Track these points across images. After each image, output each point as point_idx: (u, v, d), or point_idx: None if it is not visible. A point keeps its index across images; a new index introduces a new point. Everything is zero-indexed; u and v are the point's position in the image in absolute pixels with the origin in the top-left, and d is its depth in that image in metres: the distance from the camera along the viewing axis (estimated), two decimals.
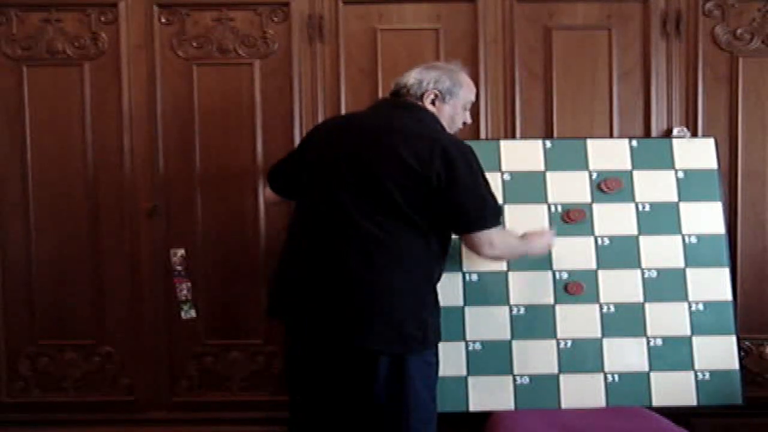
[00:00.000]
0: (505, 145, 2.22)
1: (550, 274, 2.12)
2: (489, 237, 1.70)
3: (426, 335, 1.68)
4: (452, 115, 1.82)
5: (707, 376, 2.07)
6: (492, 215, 1.71)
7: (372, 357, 1.65)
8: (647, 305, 2.10)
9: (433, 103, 1.78)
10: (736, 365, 2.09)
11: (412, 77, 1.78)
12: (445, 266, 1.81)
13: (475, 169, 1.68)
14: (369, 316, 1.62)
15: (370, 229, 1.62)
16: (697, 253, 2.13)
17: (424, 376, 1.70)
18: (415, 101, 1.77)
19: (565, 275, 2.12)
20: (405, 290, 1.64)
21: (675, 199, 2.16)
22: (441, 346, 1.91)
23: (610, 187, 2.16)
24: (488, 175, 2.16)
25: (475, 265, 2.11)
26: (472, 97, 1.88)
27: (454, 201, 1.64)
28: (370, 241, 1.62)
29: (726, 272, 2.13)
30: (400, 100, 1.78)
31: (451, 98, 1.80)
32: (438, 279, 1.78)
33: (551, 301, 2.10)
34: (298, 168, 1.80)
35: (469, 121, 1.91)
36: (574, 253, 2.13)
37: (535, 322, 2.09)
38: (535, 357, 2.07)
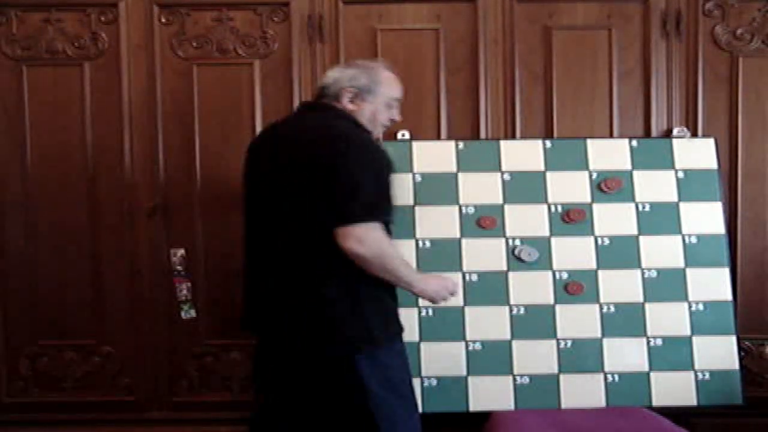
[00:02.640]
0: (505, 145, 2.22)
1: (550, 274, 2.12)
2: (358, 232, 1.54)
3: (370, 334, 1.62)
4: (373, 113, 1.77)
5: (707, 376, 2.07)
6: (365, 208, 1.56)
7: (320, 361, 1.65)
8: (647, 305, 2.10)
9: (352, 101, 1.74)
10: (736, 365, 2.09)
11: (329, 77, 1.77)
12: None
13: (363, 161, 1.58)
14: (302, 322, 1.62)
15: (287, 238, 1.62)
16: (697, 253, 2.13)
17: (379, 377, 1.64)
18: (332, 101, 1.74)
19: (565, 275, 2.12)
20: (334, 292, 1.61)
21: (675, 199, 2.16)
22: (441, 345, 1.91)
23: (610, 187, 2.16)
24: (488, 175, 2.19)
25: (475, 265, 2.11)
26: (395, 94, 1.81)
27: (328, 189, 1.56)
28: (289, 250, 1.62)
29: (726, 272, 2.13)
30: (315, 102, 1.78)
31: (370, 95, 1.75)
32: (375, 278, 1.64)
33: (551, 301, 2.10)
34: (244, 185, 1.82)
35: (397, 118, 1.84)
36: (574, 253, 2.13)
37: (535, 322, 2.09)
38: (535, 357, 2.07)
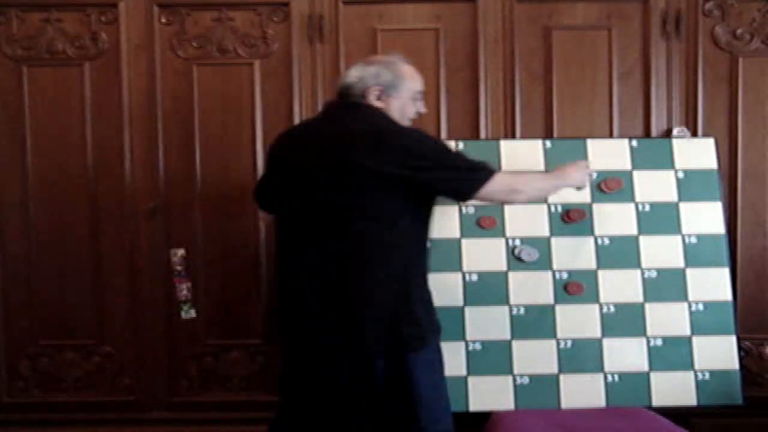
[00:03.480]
0: (505, 145, 2.22)
1: (550, 274, 2.12)
2: (494, 188, 1.67)
3: (422, 331, 1.67)
4: (401, 108, 1.77)
5: (707, 376, 2.07)
6: (475, 173, 1.67)
7: (370, 360, 1.65)
8: (647, 305, 2.10)
9: (379, 98, 1.74)
10: (736, 365, 2.09)
11: (352, 76, 1.75)
12: (428, 260, 1.75)
13: (428, 142, 1.66)
14: (359, 321, 1.62)
15: (342, 236, 1.62)
16: (697, 253, 2.13)
17: (426, 374, 1.68)
18: (360, 100, 1.74)
19: (565, 275, 2.12)
20: (386, 290, 1.63)
21: (675, 199, 2.16)
22: (441, 345, 1.89)
23: (610, 187, 2.16)
24: None
25: (475, 265, 2.11)
26: (419, 87, 1.82)
27: (437, 178, 1.63)
28: (341, 247, 1.62)
29: (726, 272, 2.13)
30: (346, 101, 1.76)
31: (396, 91, 1.75)
32: (423, 273, 1.73)
33: (551, 301, 2.10)
34: (270, 184, 1.82)
35: (422, 110, 1.86)
36: (574, 253, 2.13)
37: (535, 322, 2.09)
38: (535, 357, 2.07)
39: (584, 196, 2.16)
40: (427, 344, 1.68)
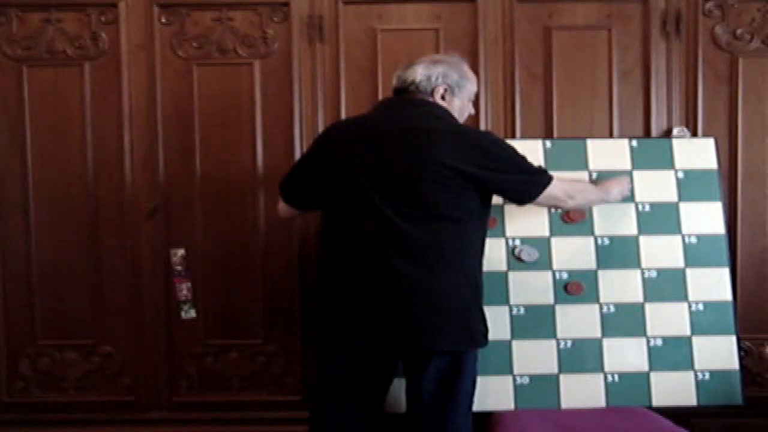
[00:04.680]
0: None
1: (550, 274, 2.12)
2: (554, 192, 1.76)
3: (487, 327, 1.74)
4: (461, 108, 1.82)
5: (707, 376, 2.07)
6: (540, 176, 1.76)
7: (427, 357, 1.67)
8: (647, 305, 2.10)
9: (443, 97, 1.77)
10: (736, 365, 2.09)
11: (419, 73, 1.75)
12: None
13: (502, 144, 1.74)
14: (437, 318, 1.63)
15: (415, 233, 1.62)
16: (697, 253, 2.13)
17: (472, 372, 1.75)
18: (426, 97, 1.75)
19: (565, 275, 2.12)
20: (463, 287, 1.66)
21: (675, 199, 2.16)
22: None
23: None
24: None
25: None
26: (476, 89, 1.90)
27: (508, 181, 1.71)
28: (418, 244, 1.63)
29: (726, 272, 2.13)
30: (414, 98, 1.76)
31: (460, 91, 1.80)
32: (482, 273, 1.79)
33: (551, 301, 2.10)
34: (318, 176, 1.75)
35: (473, 112, 1.92)
36: (574, 253, 2.13)
37: (535, 322, 2.09)
38: (535, 357, 2.07)
39: None
40: (487, 340, 1.75)
